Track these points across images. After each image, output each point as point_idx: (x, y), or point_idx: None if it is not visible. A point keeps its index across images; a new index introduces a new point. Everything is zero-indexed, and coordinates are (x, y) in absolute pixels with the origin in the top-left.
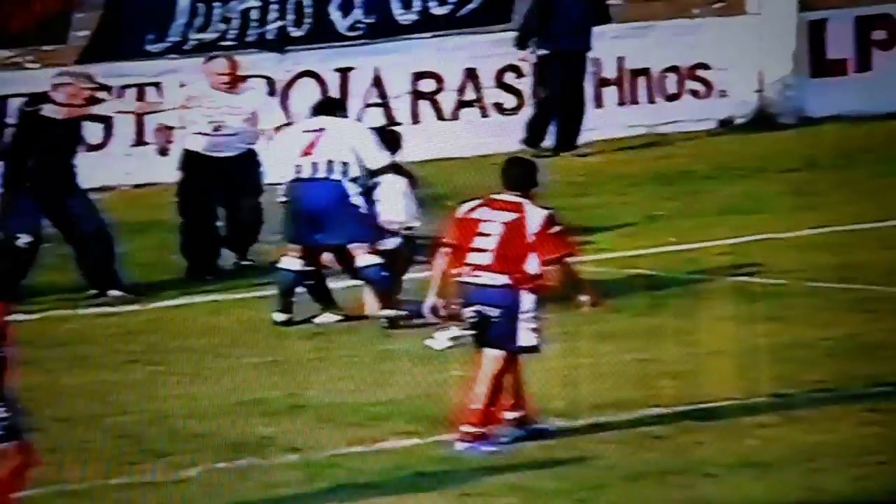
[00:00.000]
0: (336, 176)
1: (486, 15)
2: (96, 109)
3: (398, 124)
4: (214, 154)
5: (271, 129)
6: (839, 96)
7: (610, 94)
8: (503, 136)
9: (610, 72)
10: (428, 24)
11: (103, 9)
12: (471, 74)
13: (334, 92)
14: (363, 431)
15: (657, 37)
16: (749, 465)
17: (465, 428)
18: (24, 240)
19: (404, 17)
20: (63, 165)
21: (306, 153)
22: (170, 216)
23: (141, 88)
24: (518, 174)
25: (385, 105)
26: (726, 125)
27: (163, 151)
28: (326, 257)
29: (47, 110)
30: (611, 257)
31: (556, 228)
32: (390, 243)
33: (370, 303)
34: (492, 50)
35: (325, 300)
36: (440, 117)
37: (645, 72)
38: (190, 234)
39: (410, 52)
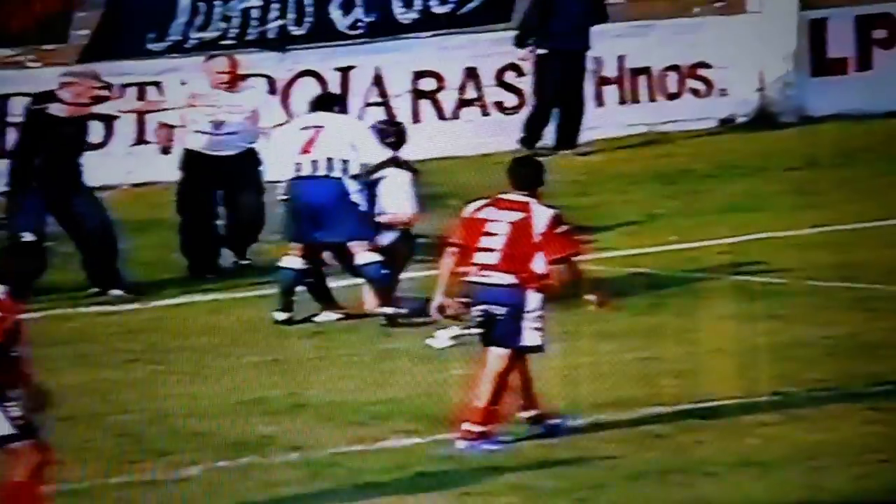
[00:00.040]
0: (336, 174)
1: (487, 14)
2: (103, 108)
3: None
4: (215, 153)
5: (271, 128)
6: (840, 95)
7: (611, 92)
8: (504, 135)
9: (611, 70)
10: (428, 22)
11: (104, 8)
12: (471, 73)
13: (335, 91)
14: (364, 430)
15: (658, 35)
16: (750, 463)
17: (468, 426)
18: (27, 238)
19: (405, 16)
20: (70, 164)
21: (305, 151)
22: (170, 215)
23: (142, 87)
24: (525, 174)
25: (386, 104)
26: (727, 124)
27: (165, 150)
28: (325, 255)
29: (54, 109)
30: (611, 256)
31: (563, 228)
32: (387, 238)
33: (370, 300)
34: (492, 49)
35: (326, 299)
36: (441, 116)
37: (646, 70)
38: (189, 233)
39: (411, 51)
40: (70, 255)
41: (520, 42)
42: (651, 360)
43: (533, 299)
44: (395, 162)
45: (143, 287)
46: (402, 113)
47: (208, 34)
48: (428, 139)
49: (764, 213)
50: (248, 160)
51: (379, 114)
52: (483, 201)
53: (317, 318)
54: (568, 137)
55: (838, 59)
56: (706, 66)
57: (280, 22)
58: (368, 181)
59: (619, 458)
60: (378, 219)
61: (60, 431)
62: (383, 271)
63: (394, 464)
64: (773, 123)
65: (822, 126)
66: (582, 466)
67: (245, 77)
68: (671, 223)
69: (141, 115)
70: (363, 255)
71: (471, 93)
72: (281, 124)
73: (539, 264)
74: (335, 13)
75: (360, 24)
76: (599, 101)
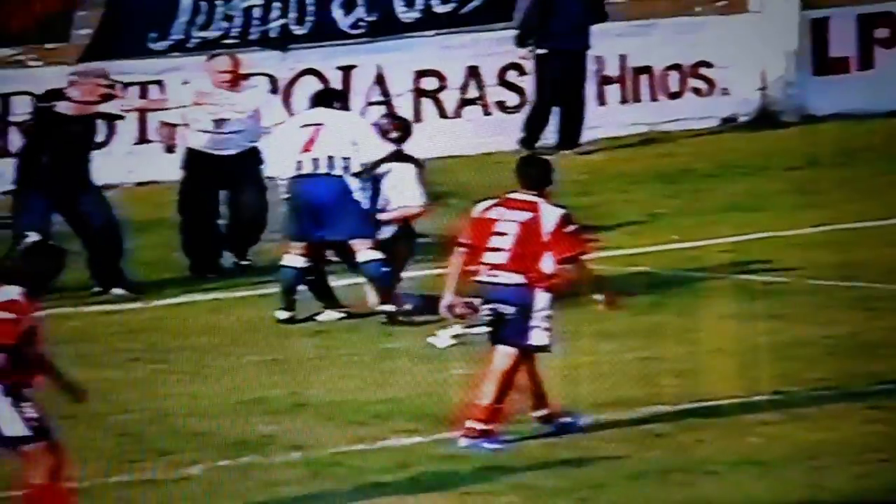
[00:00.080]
0: (337, 172)
1: (489, 13)
2: (110, 107)
3: None
4: (217, 152)
5: (273, 127)
6: (841, 94)
7: (612, 92)
8: (505, 134)
9: (612, 70)
10: (430, 22)
11: (105, 7)
12: (473, 72)
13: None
14: (365, 430)
15: (659, 35)
16: (751, 463)
17: (471, 423)
18: (31, 238)
19: (407, 15)
20: (77, 162)
21: (306, 149)
22: (172, 214)
23: (143, 86)
24: (533, 173)
25: (387, 103)
26: (728, 123)
27: (169, 148)
28: (326, 252)
29: (62, 107)
30: (613, 255)
31: (572, 227)
32: (386, 232)
33: (371, 298)
34: (494, 48)
35: (327, 297)
36: (442, 115)
37: (647, 70)
38: (190, 232)
39: (413, 50)
40: (70, 255)
41: (520, 42)
42: (652, 360)
43: (541, 299)
44: (399, 156)
45: (144, 286)
46: (404, 112)
47: (210, 33)
48: (429, 138)
49: (765, 213)
50: (251, 159)
51: (380, 113)
52: (492, 201)
53: (319, 317)
54: (569, 137)
55: (840, 58)
56: (708, 65)
57: (282, 21)
58: (373, 177)
59: (620, 457)
60: (386, 213)
61: (62, 430)
62: (384, 269)
63: (395, 463)
64: (774, 123)
65: (824, 125)
66: (583, 466)
67: (247, 76)
68: (672, 222)
69: (143, 114)
70: (364, 252)
71: (472, 92)
72: (280, 123)
73: (548, 264)
74: (337, 12)
75: (361, 23)
76: (601, 100)
